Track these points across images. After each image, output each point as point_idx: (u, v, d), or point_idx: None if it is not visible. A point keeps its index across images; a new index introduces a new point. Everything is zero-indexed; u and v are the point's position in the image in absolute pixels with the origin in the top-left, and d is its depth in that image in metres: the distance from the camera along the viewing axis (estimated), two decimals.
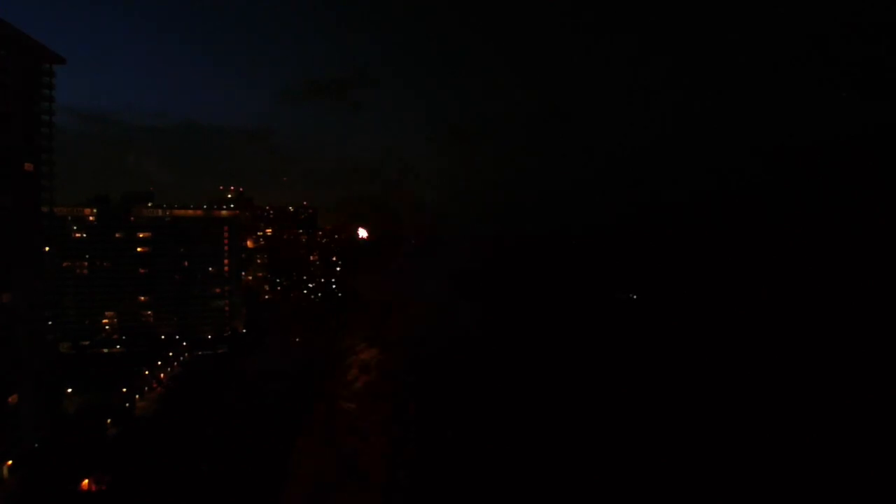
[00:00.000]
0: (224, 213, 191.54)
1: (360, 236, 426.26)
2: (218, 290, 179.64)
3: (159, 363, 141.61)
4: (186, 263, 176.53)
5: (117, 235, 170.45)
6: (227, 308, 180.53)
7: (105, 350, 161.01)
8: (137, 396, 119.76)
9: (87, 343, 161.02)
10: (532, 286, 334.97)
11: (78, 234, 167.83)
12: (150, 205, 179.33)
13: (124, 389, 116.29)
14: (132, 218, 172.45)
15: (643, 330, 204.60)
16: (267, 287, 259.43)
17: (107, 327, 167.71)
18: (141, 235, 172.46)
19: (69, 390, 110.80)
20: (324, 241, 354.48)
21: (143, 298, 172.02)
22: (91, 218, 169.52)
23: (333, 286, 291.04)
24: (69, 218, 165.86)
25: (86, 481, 79.27)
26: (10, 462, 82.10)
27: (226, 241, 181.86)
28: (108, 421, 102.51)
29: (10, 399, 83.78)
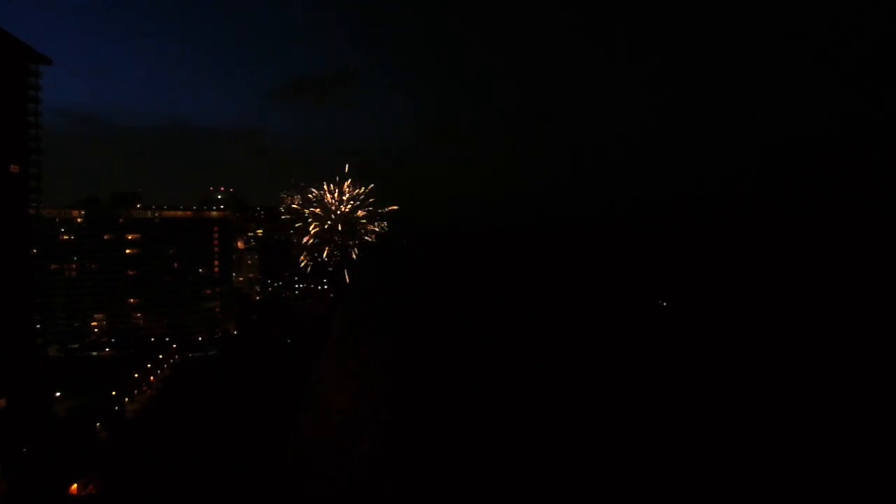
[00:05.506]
0: (214, 213, 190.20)
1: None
2: (209, 292, 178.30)
3: (150, 366, 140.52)
4: (177, 265, 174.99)
5: (106, 237, 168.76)
6: (217, 309, 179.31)
7: (94, 353, 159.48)
8: (127, 399, 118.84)
9: (76, 346, 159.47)
10: (537, 285, 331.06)
11: (66, 236, 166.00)
12: (139, 206, 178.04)
13: (114, 392, 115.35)
14: (121, 219, 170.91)
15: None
16: (258, 288, 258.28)
17: (96, 330, 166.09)
18: (130, 237, 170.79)
19: (58, 394, 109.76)
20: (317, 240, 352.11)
21: (132, 300, 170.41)
22: (79, 219, 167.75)
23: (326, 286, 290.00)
24: (57, 220, 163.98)
25: (76, 485, 78.58)
26: None
27: (216, 243, 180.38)
28: (98, 424, 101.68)
29: None
